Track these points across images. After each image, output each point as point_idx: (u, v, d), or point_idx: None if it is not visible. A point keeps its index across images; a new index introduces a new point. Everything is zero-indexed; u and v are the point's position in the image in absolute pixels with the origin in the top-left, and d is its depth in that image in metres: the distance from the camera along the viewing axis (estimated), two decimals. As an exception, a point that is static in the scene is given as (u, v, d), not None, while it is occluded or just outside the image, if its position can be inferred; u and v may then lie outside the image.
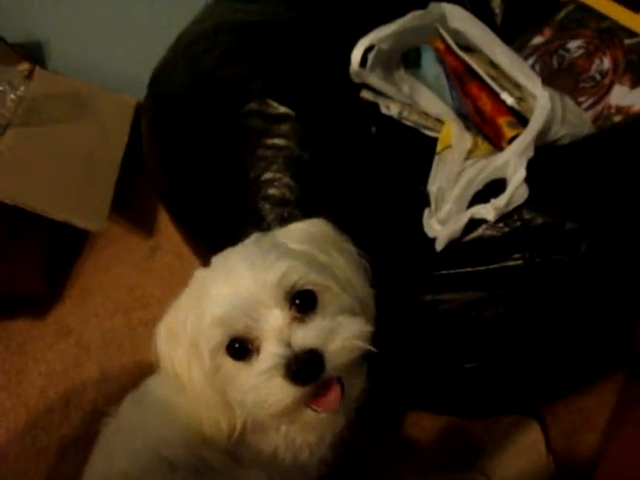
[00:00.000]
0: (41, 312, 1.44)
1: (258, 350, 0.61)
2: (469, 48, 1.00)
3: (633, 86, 0.98)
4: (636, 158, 0.81)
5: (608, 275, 0.81)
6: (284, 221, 0.86)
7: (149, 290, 1.42)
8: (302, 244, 0.67)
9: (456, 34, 0.98)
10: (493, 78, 0.95)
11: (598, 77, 1.03)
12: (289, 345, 0.59)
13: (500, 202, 0.77)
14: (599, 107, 1.02)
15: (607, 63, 1.03)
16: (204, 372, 0.65)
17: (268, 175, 0.90)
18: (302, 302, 0.62)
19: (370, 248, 0.75)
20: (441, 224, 0.87)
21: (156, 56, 1.12)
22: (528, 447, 0.93)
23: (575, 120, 0.97)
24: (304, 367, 0.58)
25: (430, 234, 0.87)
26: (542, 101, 0.85)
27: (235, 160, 0.93)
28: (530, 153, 0.81)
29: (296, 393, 0.58)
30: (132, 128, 1.54)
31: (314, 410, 0.62)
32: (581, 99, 1.04)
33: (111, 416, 0.84)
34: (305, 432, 0.72)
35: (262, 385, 0.59)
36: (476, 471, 0.92)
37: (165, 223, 1.52)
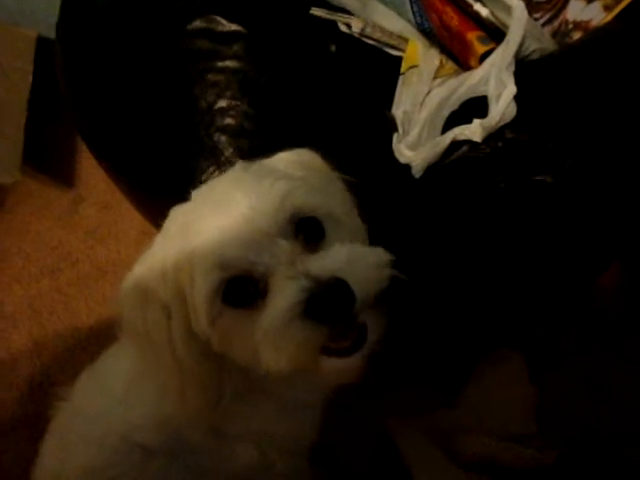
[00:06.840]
0: (-52, 285, 1.27)
1: (264, 291, 0.51)
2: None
3: (589, 0, 0.95)
4: (616, 71, 0.78)
5: (593, 196, 0.78)
6: (246, 154, 0.76)
7: (75, 246, 1.29)
8: (296, 171, 0.57)
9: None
10: (458, -11, 0.88)
11: (553, -9, 0.99)
12: (307, 276, 0.48)
13: (491, 121, 0.71)
14: (556, 23, 0.98)
15: (562, -24, 0.98)
16: (187, 330, 0.54)
17: (222, 103, 0.80)
18: (308, 232, 0.53)
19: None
20: (410, 149, 0.82)
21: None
22: (512, 378, 0.92)
23: (539, 35, 0.93)
24: (332, 299, 0.48)
25: (401, 160, 0.81)
26: (518, 11, 0.80)
27: (181, 88, 0.82)
28: (513, 67, 0.76)
29: (320, 334, 0.48)
30: (36, 65, 1.35)
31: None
32: (536, 15, 1.00)
33: (63, 399, 0.72)
34: (314, 387, 0.64)
35: (282, 329, 0.48)
36: (459, 407, 0.91)
37: (87, 171, 1.38)
